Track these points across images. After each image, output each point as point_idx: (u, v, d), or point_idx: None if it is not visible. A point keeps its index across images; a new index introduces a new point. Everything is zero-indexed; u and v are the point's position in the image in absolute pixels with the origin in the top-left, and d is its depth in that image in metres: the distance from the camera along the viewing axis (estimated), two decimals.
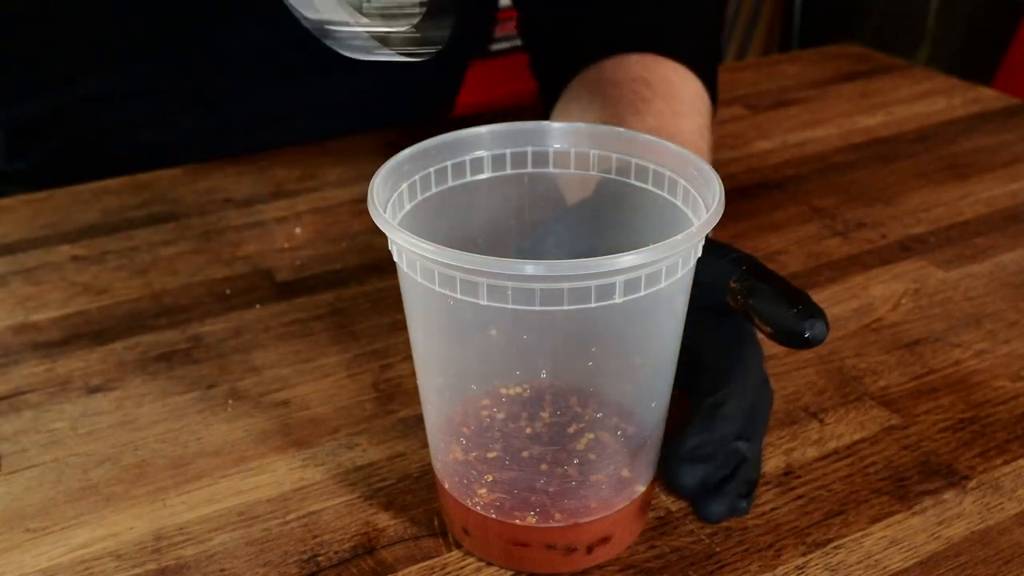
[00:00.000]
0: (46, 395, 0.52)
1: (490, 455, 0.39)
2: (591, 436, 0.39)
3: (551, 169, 0.43)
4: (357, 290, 0.60)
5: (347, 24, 0.37)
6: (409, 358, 0.53)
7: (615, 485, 0.39)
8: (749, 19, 2.19)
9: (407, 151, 0.40)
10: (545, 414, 0.39)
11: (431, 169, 0.41)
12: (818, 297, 0.58)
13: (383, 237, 0.36)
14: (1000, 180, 0.73)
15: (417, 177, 0.40)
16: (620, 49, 0.60)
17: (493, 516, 0.39)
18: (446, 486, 0.40)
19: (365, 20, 0.37)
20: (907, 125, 0.83)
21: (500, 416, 0.39)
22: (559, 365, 0.39)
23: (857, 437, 0.48)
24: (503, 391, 0.39)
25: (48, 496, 0.45)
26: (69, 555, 0.42)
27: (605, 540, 0.40)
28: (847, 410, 0.49)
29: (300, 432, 0.49)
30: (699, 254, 0.37)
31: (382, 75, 0.82)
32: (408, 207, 0.40)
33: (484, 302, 0.34)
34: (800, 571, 0.40)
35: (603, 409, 0.39)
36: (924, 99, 0.88)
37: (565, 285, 0.33)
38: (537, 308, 0.33)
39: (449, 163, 0.41)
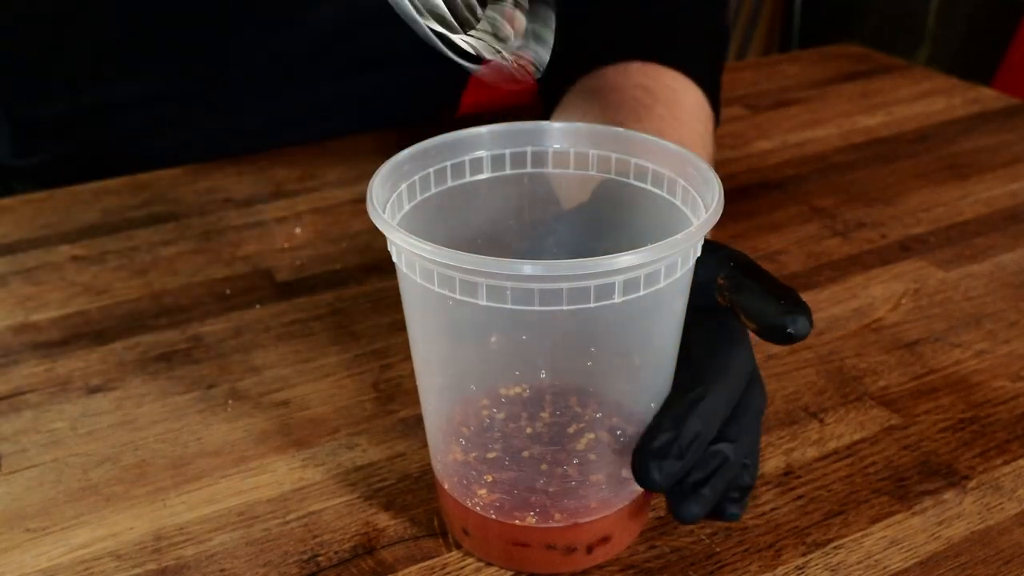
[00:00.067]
0: (46, 395, 0.52)
1: (489, 455, 0.39)
2: (591, 436, 0.39)
3: (550, 169, 0.43)
4: (357, 290, 0.60)
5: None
6: (409, 358, 0.53)
7: (615, 485, 0.39)
8: (749, 19, 2.19)
9: (406, 151, 0.40)
10: (544, 414, 0.39)
11: (430, 169, 0.41)
12: (818, 297, 0.59)
13: (383, 237, 0.36)
14: (1000, 180, 0.73)
15: (416, 178, 0.40)
16: (622, 56, 0.60)
17: (493, 516, 0.39)
18: (446, 487, 0.40)
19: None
20: (907, 125, 0.83)
21: (500, 416, 0.39)
22: (558, 365, 0.39)
23: (857, 437, 0.48)
24: (502, 391, 0.39)
25: (48, 496, 0.45)
26: (69, 555, 0.42)
27: (605, 540, 0.40)
28: (847, 410, 0.49)
29: (300, 432, 0.49)
30: (698, 254, 0.37)
31: (385, 78, 0.82)
32: (407, 208, 0.40)
33: (483, 302, 0.34)
34: (800, 571, 0.40)
35: (602, 409, 0.39)
36: (924, 99, 0.88)
37: (564, 285, 0.33)
38: (536, 308, 0.33)
39: (448, 163, 0.41)
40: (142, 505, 0.45)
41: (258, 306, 0.59)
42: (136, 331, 0.57)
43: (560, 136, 0.43)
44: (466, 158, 0.42)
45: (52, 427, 0.49)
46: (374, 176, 0.38)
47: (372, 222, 0.36)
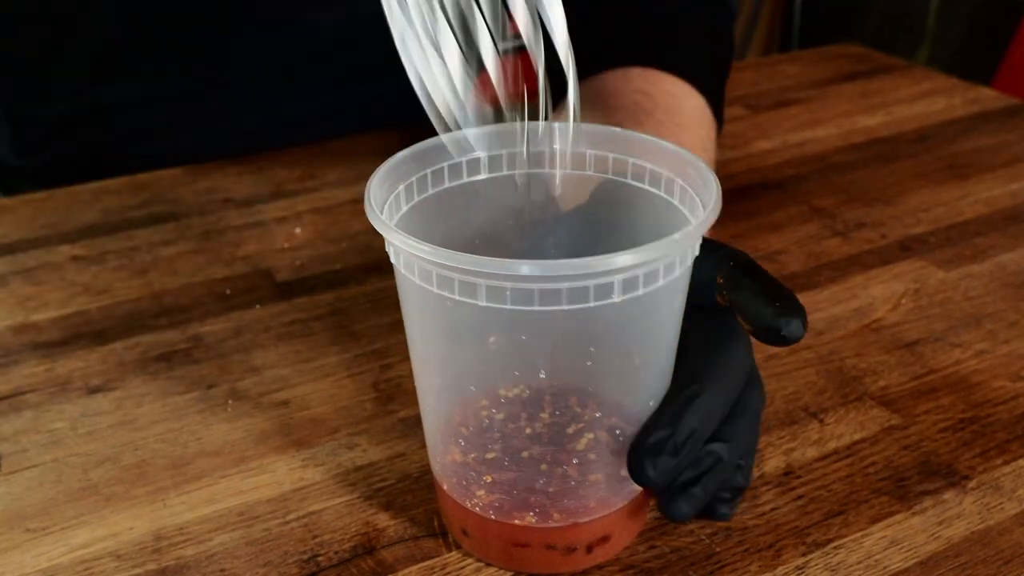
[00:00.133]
0: (46, 395, 0.52)
1: (489, 456, 0.39)
2: (590, 436, 0.39)
3: (548, 169, 0.43)
4: (357, 290, 0.60)
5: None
6: (408, 358, 0.53)
7: (614, 485, 0.39)
8: (749, 19, 2.19)
9: (404, 152, 0.40)
10: (544, 414, 0.39)
11: (428, 170, 0.41)
12: (818, 297, 0.59)
13: (383, 237, 0.36)
14: (1000, 180, 0.73)
15: (414, 178, 0.40)
16: (623, 61, 0.60)
17: (492, 517, 0.39)
18: (445, 487, 0.40)
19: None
20: (907, 125, 0.83)
21: (499, 417, 0.39)
22: (558, 365, 0.39)
23: (857, 437, 0.48)
24: (502, 392, 0.39)
25: (48, 496, 0.45)
26: (69, 555, 0.42)
27: (605, 540, 0.40)
28: (847, 410, 0.49)
29: (300, 432, 0.49)
30: (696, 253, 0.37)
31: (385, 85, 0.82)
32: (405, 208, 0.40)
33: (483, 303, 0.34)
34: (800, 571, 0.40)
35: (602, 409, 0.39)
36: (924, 99, 0.88)
37: (563, 285, 0.33)
38: (536, 308, 0.33)
39: (446, 164, 0.41)
40: (142, 505, 0.45)
41: (258, 306, 0.59)
42: (136, 331, 0.57)
43: (557, 136, 0.43)
44: (463, 159, 0.42)
45: (52, 427, 0.49)
46: (372, 177, 0.38)
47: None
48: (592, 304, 0.34)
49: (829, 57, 1.00)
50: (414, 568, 0.41)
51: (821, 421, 0.49)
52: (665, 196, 0.40)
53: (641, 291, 0.34)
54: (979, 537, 0.42)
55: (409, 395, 0.51)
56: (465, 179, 0.42)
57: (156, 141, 0.80)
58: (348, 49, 0.79)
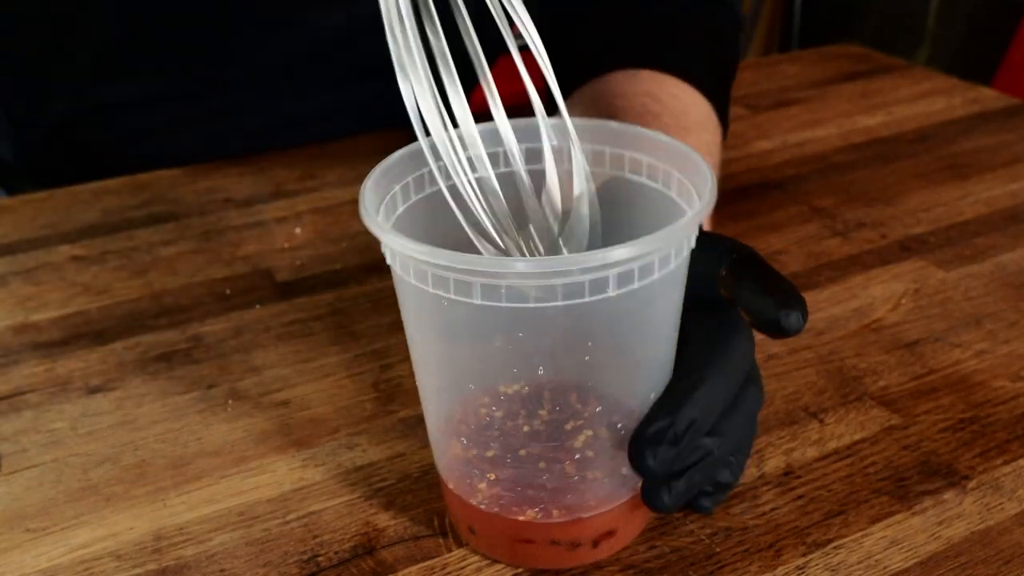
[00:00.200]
0: (46, 395, 0.52)
1: (491, 453, 0.39)
2: (591, 432, 0.38)
3: (545, 166, 0.43)
4: (357, 290, 0.60)
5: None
6: (408, 358, 0.53)
7: (618, 479, 0.39)
8: (749, 19, 2.19)
9: (399, 152, 0.40)
10: (544, 411, 0.39)
11: (424, 170, 0.41)
12: (818, 297, 0.59)
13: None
14: (1000, 180, 0.73)
15: (410, 178, 0.40)
16: (631, 63, 0.60)
17: (497, 514, 0.39)
18: (450, 485, 0.40)
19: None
20: (907, 125, 0.83)
21: (499, 414, 0.39)
22: (557, 361, 0.38)
23: (857, 437, 0.48)
24: (502, 389, 0.39)
25: (48, 496, 0.45)
26: (69, 555, 0.42)
27: (610, 534, 0.40)
28: (847, 410, 0.49)
29: (300, 432, 0.49)
30: (692, 245, 0.36)
31: (385, 86, 0.82)
32: (401, 209, 0.40)
33: (478, 301, 0.34)
34: (800, 571, 0.40)
35: (602, 404, 0.39)
36: (924, 99, 0.88)
37: (558, 281, 0.33)
38: (531, 305, 0.33)
39: (440, 163, 0.41)
40: (142, 505, 0.45)
41: (258, 306, 0.59)
42: (136, 331, 0.57)
43: (555, 133, 0.42)
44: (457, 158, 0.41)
45: (52, 427, 0.49)
46: (366, 179, 0.38)
47: None
48: (588, 299, 0.33)
49: (829, 57, 1.00)
50: (414, 568, 0.41)
51: (821, 421, 0.49)
52: (663, 191, 0.40)
53: (636, 284, 0.34)
54: (979, 537, 0.42)
55: (409, 395, 0.51)
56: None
57: (156, 141, 0.80)
58: (348, 49, 0.79)
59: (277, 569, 0.41)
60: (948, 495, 0.44)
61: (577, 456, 0.38)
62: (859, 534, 0.42)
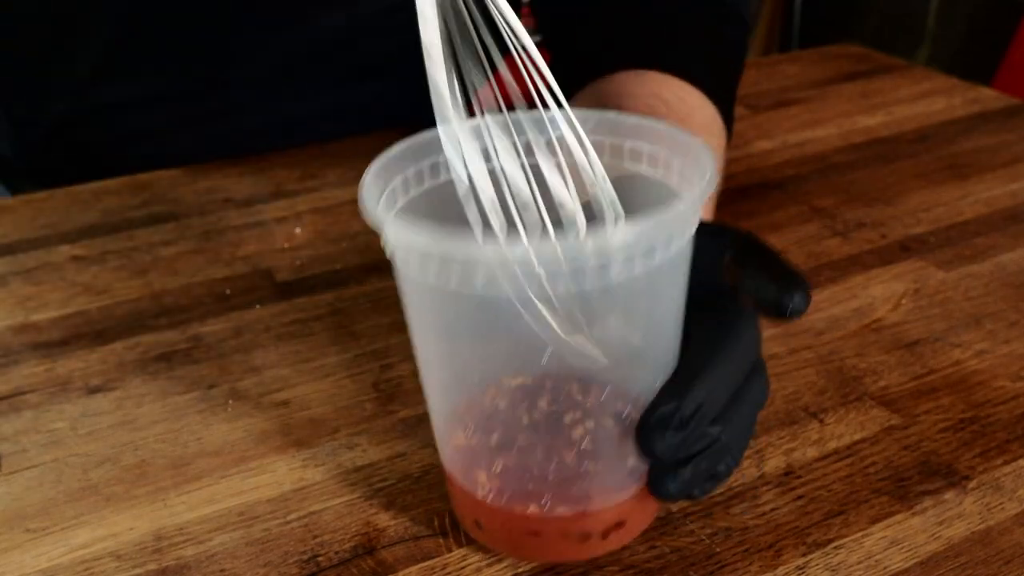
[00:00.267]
0: (46, 395, 0.52)
1: (496, 444, 0.38)
2: (596, 421, 0.38)
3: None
4: (357, 290, 0.60)
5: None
6: (409, 358, 0.53)
7: (625, 469, 0.38)
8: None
9: (397, 146, 0.40)
10: (548, 401, 0.39)
11: (424, 164, 0.40)
12: (818, 297, 0.59)
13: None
14: (1000, 180, 0.73)
15: (410, 172, 0.40)
16: (638, 64, 0.60)
17: (504, 506, 0.39)
18: (456, 479, 0.40)
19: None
20: (907, 125, 0.83)
21: (504, 405, 0.39)
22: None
23: (857, 437, 0.48)
24: (506, 380, 0.39)
25: (48, 496, 0.45)
26: (69, 555, 0.42)
27: (619, 525, 0.39)
28: (847, 410, 0.49)
29: (300, 432, 0.49)
30: (695, 227, 0.36)
31: (384, 86, 0.82)
32: (401, 203, 0.40)
33: (480, 290, 0.33)
34: (800, 571, 0.40)
35: (607, 392, 0.39)
36: (924, 99, 0.88)
37: (561, 267, 0.33)
38: (533, 293, 0.33)
39: (440, 158, 0.41)
40: (142, 505, 0.45)
41: (258, 306, 0.59)
42: (136, 331, 0.57)
43: (553, 125, 0.42)
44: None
45: (52, 427, 0.49)
46: (365, 173, 0.38)
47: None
48: (592, 283, 0.33)
49: (829, 57, 1.00)
50: (414, 568, 0.41)
51: (821, 421, 0.49)
52: (664, 182, 0.40)
53: (639, 268, 0.34)
54: (979, 537, 0.42)
55: (409, 395, 0.51)
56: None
57: (156, 141, 0.80)
58: (348, 50, 0.79)
59: (277, 569, 0.41)
60: (948, 495, 0.44)
61: (585, 446, 0.38)
62: (859, 534, 0.42)
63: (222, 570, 0.41)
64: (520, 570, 0.41)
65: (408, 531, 0.43)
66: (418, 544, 0.42)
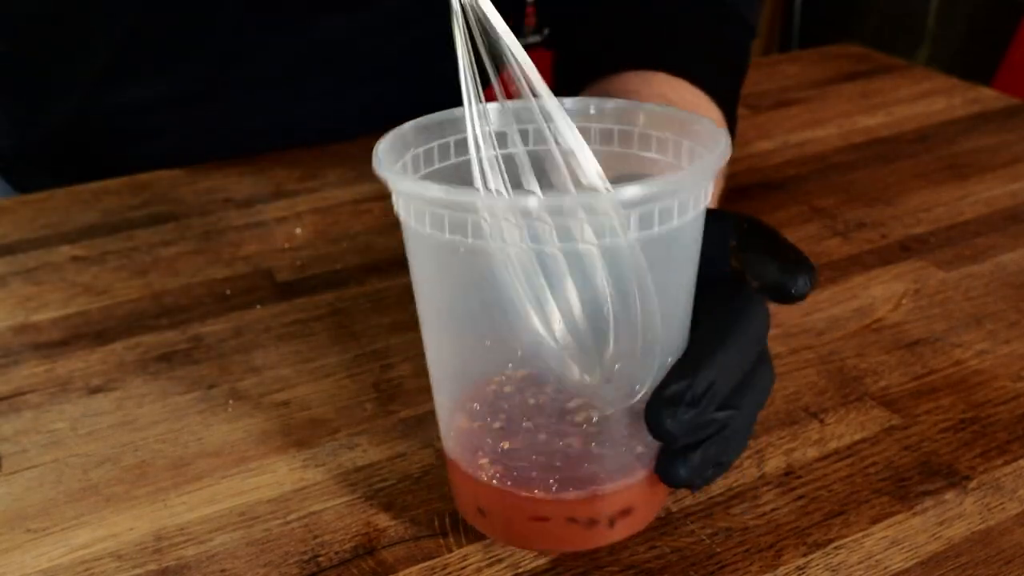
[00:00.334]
0: (46, 395, 0.52)
1: (502, 426, 0.38)
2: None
3: (554, 146, 0.42)
4: (357, 290, 0.60)
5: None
6: (409, 358, 0.53)
7: (633, 452, 0.38)
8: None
9: (409, 124, 0.39)
10: (556, 381, 0.38)
11: (435, 143, 0.40)
12: (818, 297, 0.59)
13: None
14: (1000, 180, 0.73)
15: (421, 150, 0.40)
16: (646, 65, 0.60)
17: (510, 490, 0.38)
18: (459, 465, 0.40)
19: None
20: (907, 125, 0.83)
21: (510, 388, 0.39)
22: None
23: (858, 437, 0.48)
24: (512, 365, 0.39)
25: (48, 496, 0.45)
26: (70, 556, 0.42)
27: (626, 512, 0.39)
28: (847, 410, 0.49)
29: (300, 432, 0.49)
30: (707, 198, 0.36)
31: (384, 88, 0.82)
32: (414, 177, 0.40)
33: (494, 242, 0.33)
34: (801, 571, 0.40)
35: (617, 369, 0.38)
36: (924, 99, 0.88)
37: (575, 219, 0.32)
38: (551, 247, 0.33)
39: (452, 139, 0.41)
40: (143, 505, 0.45)
41: (258, 306, 0.59)
42: (136, 331, 0.57)
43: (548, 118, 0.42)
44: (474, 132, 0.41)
45: (52, 427, 0.49)
46: (380, 142, 0.37)
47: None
48: (608, 240, 0.33)
49: (829, 57, 1.00)
50: (415, 568, 0.41)
51: (822, 421, 0.49)
52: (673, 163, 0.40)
53: (657, 228, 0.33)
54: (980, 537, 0.42)
55: (409, 395, 0.51)
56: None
57: (156, 141, 0.80)
58: (349, 51, 0.79)
59: (278, 569, 0.41)
60: (949, 495, 0.44)
61: (590, 427, 0.37)
62: (860, 534, 0.42)
63: (222, 570, 0.41)
64: (520, 570, 0.41)
65: (408, 531, 0.43)
66: (418, 544, 0.42)
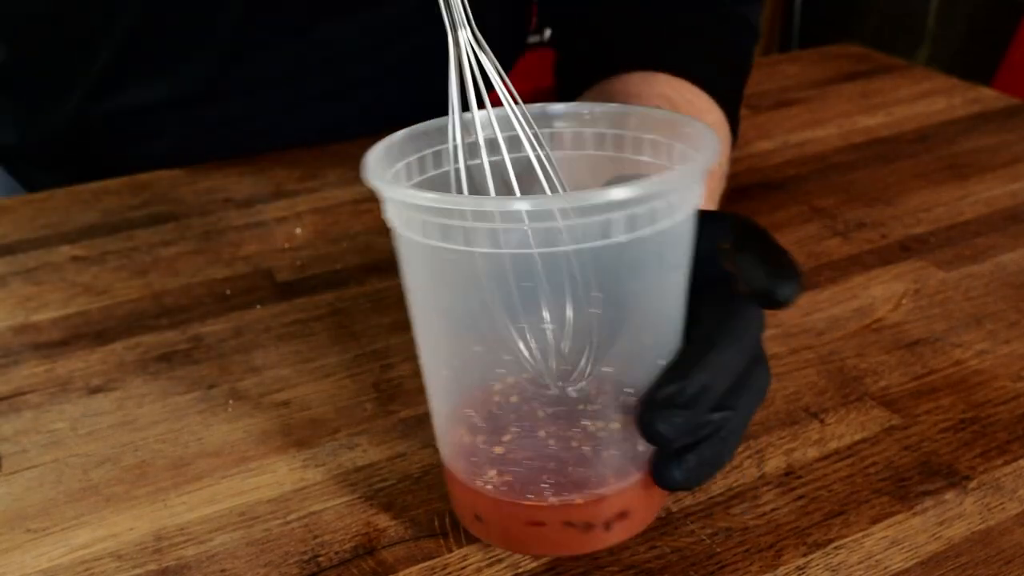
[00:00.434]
0: (46, 395, 0.52)
1: (498, 432, 0.38)
2: (600, 403, 0.38)
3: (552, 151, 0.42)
4: (357, 290, 0.60)
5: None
6: (409, 358, 0.53)
7: (628, 454, 0.38)
8: None
9: (401, 133, 0.40)
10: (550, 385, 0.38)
11: (427, 151, 0.40)
12: (818, 297, 0.59)
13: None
14: (1000, 180, 0.73)
15: (413, 158, 0.40)
16: (648, 66, 0.60)
17: (506, 496, 0.38)
18: (456, 473, 0.40)
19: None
20: (907, 125, 0.83)
21: (505, 393, 0.39)
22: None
23: (858, 437, 0.48)
24: (507, 358, 0.39)
25: (48, 496, 0.45)
26: (70, 556, 0.42)
27: (623, 516, 0.39)
28: (848, 410, 0.49)
29: (300, 432, 0.49)
30: (698, 199, 0.36)
31: (385, 90, 0.82)
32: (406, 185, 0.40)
33: (486, 249, 0.33)
34: (801, 571, 0.40)
35: (611, 377, 0.39)
36: (924, 99, 0.88)
37: (563, 222, 0.32)
38: (534, 251, 0.33)
39: (443, 148, 0.41)
40: (143, 505, 0.45)
41: (258, 306, 0.59)
42: (136, 331, 0.57)
43: (554, 118, 0.42)
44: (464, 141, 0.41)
45: (52, 427, 0.49)
46: (369, 152, 0.38)
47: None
48: (600, 243, 0.33)
49: (829, 57, 1.00)
50: (415, 568, 0.41)
51: (822, 421, 0.49)
52: (666, 166, 0.40)
53: (646, 230, 0.33)
54: (980, 537, 0.42)
55: (409, 395, 0.51)
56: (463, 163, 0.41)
57: (157, 142, 0.80)
58: (350, 54, 0.79)
59: (278, 569, 0.41)
60: (949, 495, 0.44)
61: (588, 429, 0.37)
62: (860, 534, 0.42)
63: (222, 570, 0.41)
64: (520, 570, 0.41)
65: (408, 531, 0.43)
66: (418, 544, 0.42)
